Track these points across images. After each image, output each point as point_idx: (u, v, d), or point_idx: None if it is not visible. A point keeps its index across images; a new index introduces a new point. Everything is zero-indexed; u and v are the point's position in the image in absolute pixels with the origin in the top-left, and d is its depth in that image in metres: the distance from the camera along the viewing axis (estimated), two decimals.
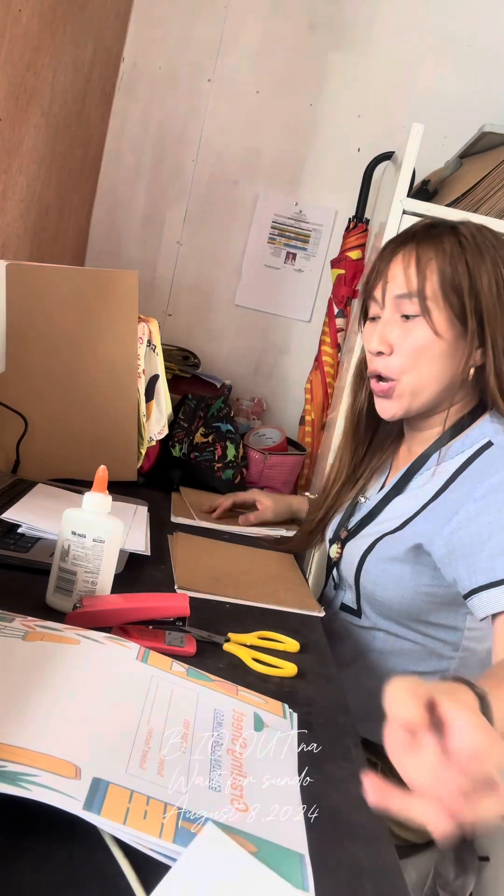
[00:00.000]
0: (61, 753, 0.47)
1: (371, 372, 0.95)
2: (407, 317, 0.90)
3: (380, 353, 0.92)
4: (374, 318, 0.95)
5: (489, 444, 0.88)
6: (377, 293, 0.93)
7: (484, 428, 0.90)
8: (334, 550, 1.08)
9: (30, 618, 0.68)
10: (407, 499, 0.96)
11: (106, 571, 0.78)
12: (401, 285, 0.89)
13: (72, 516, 0.77)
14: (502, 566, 0.77)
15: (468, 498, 0.84)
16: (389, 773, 1.03)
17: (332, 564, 1.10)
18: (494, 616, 0.77)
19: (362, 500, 1.07)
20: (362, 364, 1.03)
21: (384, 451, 1.08)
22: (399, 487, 0.98)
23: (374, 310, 0.95)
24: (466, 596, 0.81)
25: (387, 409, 0.95)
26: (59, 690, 0.55)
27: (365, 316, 0.99)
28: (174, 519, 1.22)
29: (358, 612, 1.03)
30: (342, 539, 1.06)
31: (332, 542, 1.10)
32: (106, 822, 0.43)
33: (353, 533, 1.04)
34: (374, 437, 1.07)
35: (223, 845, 0.45)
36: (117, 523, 0.78)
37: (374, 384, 0.95)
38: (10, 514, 0.94)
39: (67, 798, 0.43)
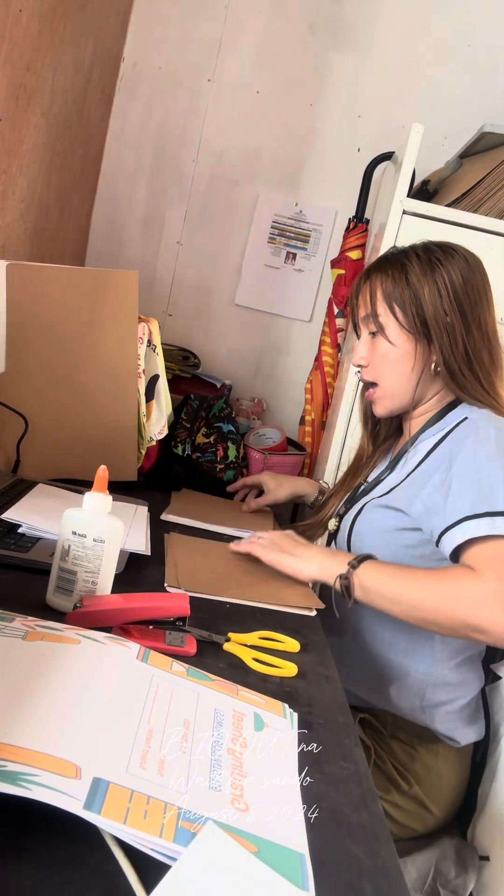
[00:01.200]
0: (61, 753, 0.48)
1: (361, 381, 1.16)
2: (373, 334, 1.09)
3: (360, 366, 1.12)
4: (359, 338, 1.15)
5: (464, 420, 1.02)
6: (354, 319, 1.15)
7: (462, 410, 1.05)
8: (332, 524, 1.20)
9: (30, 618, 0.68)
10: (395, 474, 1.10)
11: (106, 571, 0.78)
12: (362, 310, 1.11)
13: (72, 516, 0.77)
14: (457, 511, 0.91)
15: (441, 464, 0.99)
16: (385, 755, 1.05)
17: (330, 539, 1.22)
18: (457, 549, 0.91)
19: (363, 482, 1.20)
20: None
21: (389, 442, 1.23)
22: (391, 467, 1.13)
23: (357, 332, 1.15)
24: (437, 542, 0.95)
25: (377, 410, 1.14)
26: (59, 690, 0.56)
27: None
28: (164, 516, 1.22)
29: None
30: (341, 514, 1.18)
31: (334, 517, 1.22)
32: (106, 822, 0.43)
33: (349, 508, 1.16)
34: (387, 431, 1.23)
35: (223, 845, 0.45)
36: (117, 523, 0.78)
37: (366, 392, 1.15)
38: (10, 514, 0.94)
39: (68, 798, 0.44)
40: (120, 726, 0.54)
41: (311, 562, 0.98)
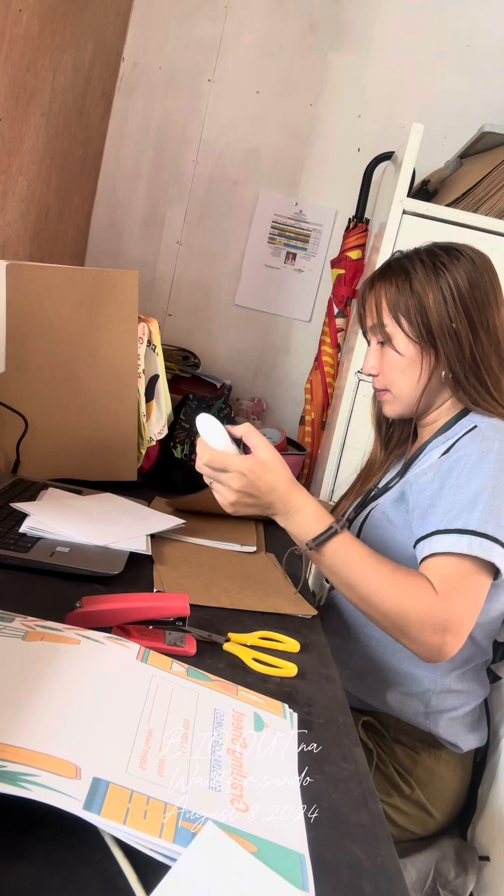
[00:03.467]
0: (61, 753, 0.47)
1: (373, 387, 1.15)
2: (381, 343, 1.08)
3: (371, 375, 1.11)
4: (369, 345, 1.14)
5: (473, 428, 1.00)
6: (363, 327, 1.13)
7: (472, 418, 1.03)
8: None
9: (30, 618, 0.68)
10: (402, 480, 1.09)
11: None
12: (369, 319, 1.09)
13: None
14: (434, 523, 0.91)
15: (441, 463, 0.98)
16: (387, 759, 1.04)
17: None
18: (422, 560, 0.91)
19: (374, 488, 1.18)
20: None
21: (402, 444, 1.22)
22: (401, 474, 1.11)
23: (367, 339, 1.14)
24: (414, 546, 0.95)
25: (385, 411, 1.13)
26: (59, 690, 0.56)
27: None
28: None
29: None
30: (350, 519, 1.16)
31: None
32: (106, 822, 0.43)
33: (358, 513, 1.14)
34: (400, 436, 1.21)
35: (223, 845, 0.45)
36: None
37: (378, 394, 1.14)
38: (22, 506, 0.95)
39: (67, 798, 0.43)
40: (120, 726, 0.54)
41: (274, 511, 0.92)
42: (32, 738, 0.48)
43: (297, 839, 0.50)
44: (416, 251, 1.07)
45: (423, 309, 1.01)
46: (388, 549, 1.02)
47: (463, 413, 1.05)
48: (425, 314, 1.01)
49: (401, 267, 1.05)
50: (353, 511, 1.17)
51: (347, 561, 0.90)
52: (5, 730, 0.48)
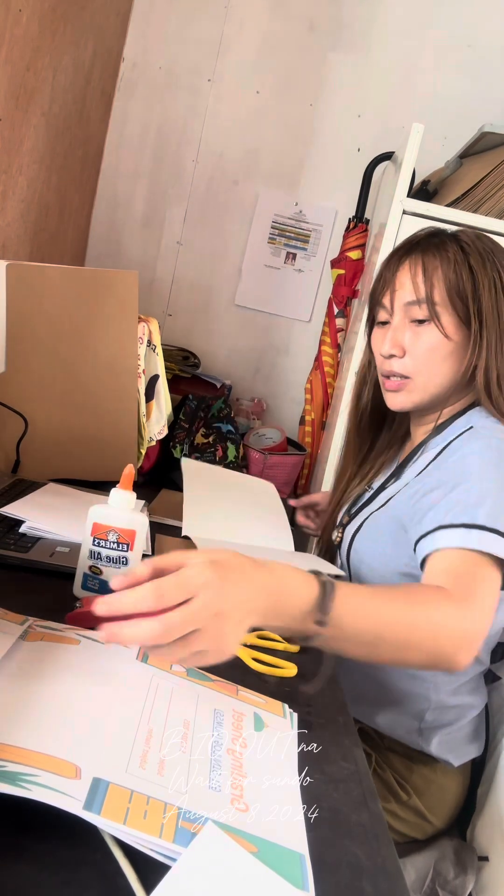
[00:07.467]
0: (61, 753, 0.48)
1: (385, 373, 1.00)
2: (417, 321, 0.94)
3: (392, 356, 0.97)
4: (383, 323, 1.00)
5: (469, 428, 0.92)
6: (385, 301, 0.98)
7: (470, 417, 0.95)
8: (335, 534, 1.12)
9: (30, 618, 0.68)
10: (398, 483, 1.02)
11: (133, 563, 0.78)
12: (409, 293, 0.94)
13: (98, 512, 0.78)
14: (436, 519, 0.81)
15: (437, 469, 0.90)
16: (385, 765, 1.03)
17: (334, 550, 1.13)
18: (425, 559, 0.80)
19: (367, 489, 1.11)
20: (365, 369, 1.09)
21: (393, 445, 1.13)
22: (396, 474, 1.04)
23: (382, 315, 1.00)
24: (414, 547, 0.84)
25: (397, 402, 1.00)
26: (59, 690, 0.56)
27: (371, 321, 1.04)
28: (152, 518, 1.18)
29: None
30: (344, 524, 1.10)
31: (336, 527, 1.14)
32: (106, 822, 0.43)
33: (352, 517, 1.08)
34: (380, 433, 1.12)
35: (223, 845, 0.45)
36: (143, 519, 0.79)
37: (387, 381, 1.00)
38: (12, 510, 0.94)
39: (67, 798, 0.43)
40: (120, 726, 0.54)
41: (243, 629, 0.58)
42: (32, 738, 0.48)
43: (297, 839, 0.50)
44: (459, 231, 0.97)
45: (479, 293, 0.91)
46: (380, 561, 0.97)
47: (462, 412, 0.98)
48: (479, 300, 0.91)
49: (453, 241, 0.94)
50: (347, 515, 1.12)
51: (364, 620, 0.66)
52: (5, 730, 0.48)
